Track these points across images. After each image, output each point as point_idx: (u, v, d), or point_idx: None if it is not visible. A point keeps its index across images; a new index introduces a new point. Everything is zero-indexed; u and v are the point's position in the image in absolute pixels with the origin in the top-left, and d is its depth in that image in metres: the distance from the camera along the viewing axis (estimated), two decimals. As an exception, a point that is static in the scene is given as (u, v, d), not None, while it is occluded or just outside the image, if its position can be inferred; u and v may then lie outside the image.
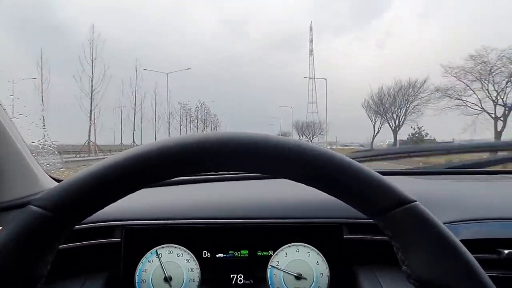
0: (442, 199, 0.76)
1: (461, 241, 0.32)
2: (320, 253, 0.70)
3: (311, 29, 67.14)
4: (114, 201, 0.34)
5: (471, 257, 0.31)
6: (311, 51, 65.37)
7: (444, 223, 0.33)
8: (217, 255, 0.70)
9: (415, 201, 0.33)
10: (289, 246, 0.70)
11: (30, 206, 0.31)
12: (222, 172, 1.03)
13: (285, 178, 0.36)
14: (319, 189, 0.35)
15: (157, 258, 0.69)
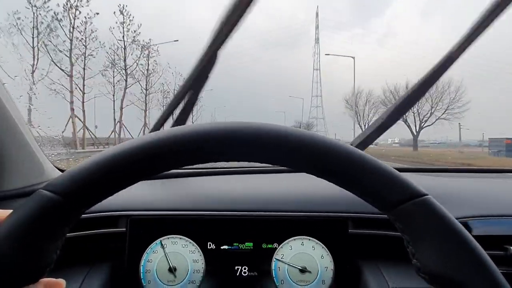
0: (449, 195, 0.76)
1: None
2: (325, 247, 0.69)
3: (317, 14, 62.42)
4: (124, 187, 0.33)
5: (483, 252, 0.31)
6: (317, 39, 61.65)
7: None
8: (222, 247, 0.70)
9: (427, 194, 0.33)
10: (294, 239, 0.70)
11: (41, 190, 0.31)
12: (229, 165, 1.03)
13: (295, 169, 0.35)
14: (329, 181, 0.35)
15: (162, 249, 0.69)
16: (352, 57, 26.93)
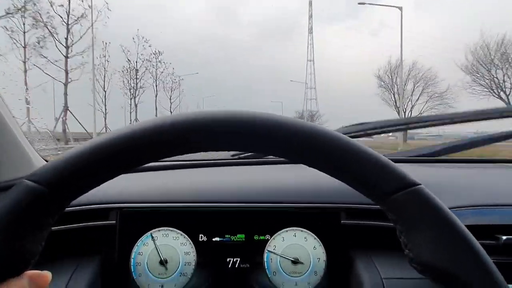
0: (441, 185, 0.76)
1: None
2: (317, 238, 0.69)
3: (310, 3, 61.86)
4: (109, 178, 0.33)
5: (476, 242, 0.31)
6: (311, 29, 60.46)
7: None
8: (213, 239, 0.70)
9: (420, 184, 0.32)
10: (286, 231, 0.70)
11: (24, 180, 0.30)
12: (220, 156, 1.02)
13: (287, 159, 0.35)
14: (322, 171, 0.34)
15: (153, 241, 0.69)
16: (399, 7, 21.08)
